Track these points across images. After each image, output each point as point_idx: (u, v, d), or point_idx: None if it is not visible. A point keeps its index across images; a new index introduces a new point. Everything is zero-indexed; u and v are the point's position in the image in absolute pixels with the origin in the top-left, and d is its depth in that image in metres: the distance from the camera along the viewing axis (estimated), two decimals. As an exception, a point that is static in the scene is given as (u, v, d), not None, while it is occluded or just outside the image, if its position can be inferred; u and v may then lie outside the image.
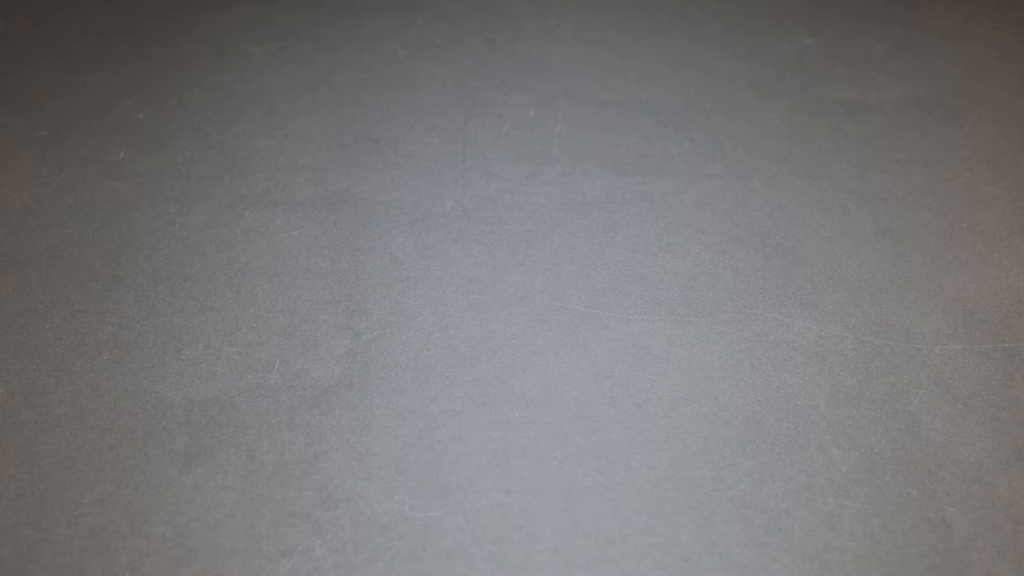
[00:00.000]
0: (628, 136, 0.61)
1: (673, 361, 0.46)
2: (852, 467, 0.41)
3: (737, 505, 0.39)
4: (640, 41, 0.72)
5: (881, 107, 0.64)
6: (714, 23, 0.74)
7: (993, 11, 0.76)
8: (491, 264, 0.52)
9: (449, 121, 0.63)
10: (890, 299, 0.49)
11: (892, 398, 0.44)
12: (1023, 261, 0.52)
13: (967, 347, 0.46)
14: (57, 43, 0.71)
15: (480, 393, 0.44)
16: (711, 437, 0.42)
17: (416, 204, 0.56)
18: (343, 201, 0.56)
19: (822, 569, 0.37)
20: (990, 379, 0.45)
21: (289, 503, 0.40)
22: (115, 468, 0.41)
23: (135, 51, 0.70)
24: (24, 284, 0.50)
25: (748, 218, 0.55)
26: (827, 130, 0.62)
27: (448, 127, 0.62)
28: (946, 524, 0.39)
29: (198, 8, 0.76)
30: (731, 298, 0.49)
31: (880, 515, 0.39)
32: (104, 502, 0.40)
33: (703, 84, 0.67)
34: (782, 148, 0.60)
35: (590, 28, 0.74)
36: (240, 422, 0.43)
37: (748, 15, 0.75)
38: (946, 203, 0.56)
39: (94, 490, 0.40)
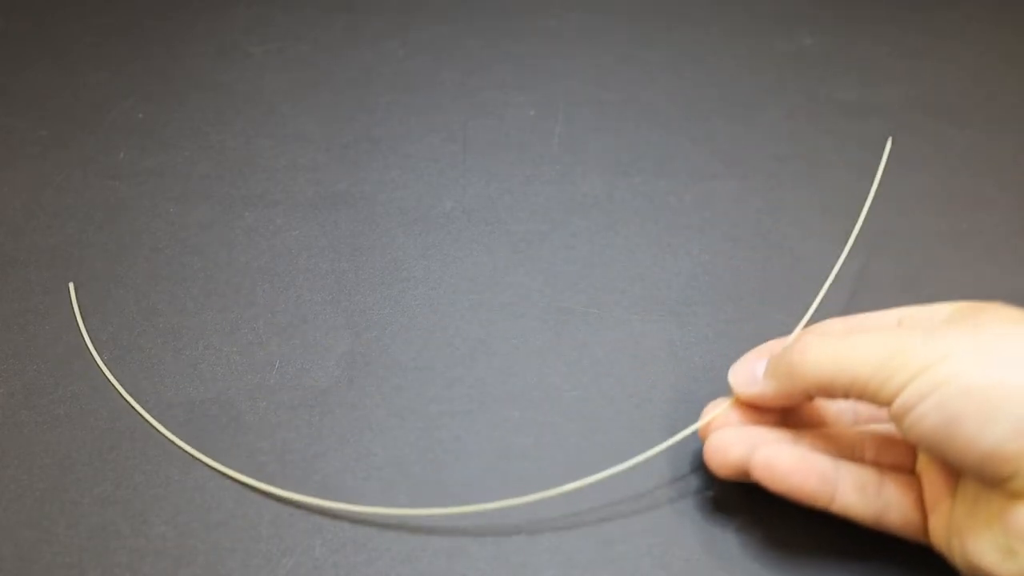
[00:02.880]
0: (628, 136, 0.61)
1: (673, 361, 0.46)
2: (852, 467, 0.41)
3: (737, 505, 0.39)
4: (640, 41, 0.72)
5: (881, 107, 0.64)
6: (714, 23, 0.74)
7: (994, 11, 0.76)
8: (491, 264, 0.52)
9: (449, 121, 0.63)
10: (890, 299, 0.49)
11: (892, 398, 0.44)
12: (1023, 261, 0.52)
13: (967, 347, 0.46)
14: (57, 43, 0.71)
15: (480, 393, 0.44)
16: (711, 437, 0.42)
17: (416, 204, 0.56)
18: (343, 201, 0.56)
19: (822, 569, 0.37)
20: (990, 379, 0.45)
21: (289, 503, 0.40)
22: (115, 468, 0.41)
23: (135, 51, 0.70)
24: (24, 284, 0.50)
25: (748, 218, 0.55)
26: (827, 130, 0.62)
27: (448, 127, 0.62)
28: (946, 524, 0.39)
29: (198, 8, 0.76)
30: (731, 298, 0.49)
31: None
32: (104, 502, 0.40)
33: (703, 84, 0.67)
34: (782, 148, 0.60)
35: (590, 28, 0.74)
36: (240, 422, 0.43)
37: (748, 15, 0.75)
38: (946, 203, 0.56)
39: (94, 490, 0.40)
